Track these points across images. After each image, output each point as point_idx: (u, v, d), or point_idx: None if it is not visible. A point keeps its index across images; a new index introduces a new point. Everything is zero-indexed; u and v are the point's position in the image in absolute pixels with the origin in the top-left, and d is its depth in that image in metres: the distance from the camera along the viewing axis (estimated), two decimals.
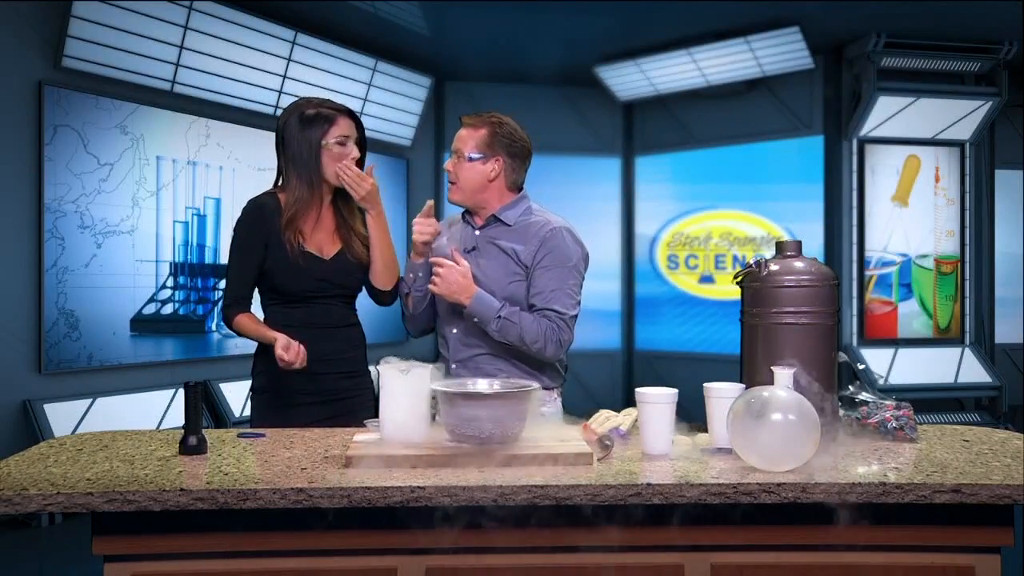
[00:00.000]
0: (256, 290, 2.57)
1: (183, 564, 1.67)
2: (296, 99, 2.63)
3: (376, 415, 1.93)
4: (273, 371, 2.42)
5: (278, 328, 2.44)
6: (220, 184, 5.81)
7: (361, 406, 2.55)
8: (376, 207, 2.51)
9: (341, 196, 2.56)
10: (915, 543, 1.72)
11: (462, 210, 2.61)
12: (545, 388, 2.45)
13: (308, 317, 2.50)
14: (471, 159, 2.47)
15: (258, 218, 2.51)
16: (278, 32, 6.00)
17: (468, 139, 2.48)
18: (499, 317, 2.39)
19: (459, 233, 2.58)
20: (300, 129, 2.49)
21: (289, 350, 2.34)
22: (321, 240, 2.53)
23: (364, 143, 2.58)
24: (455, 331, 2.50)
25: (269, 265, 2.49)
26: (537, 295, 2.44)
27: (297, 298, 2.50)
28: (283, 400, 2.49)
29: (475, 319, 2.41)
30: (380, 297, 2.61)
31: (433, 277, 2.41)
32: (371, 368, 2.42)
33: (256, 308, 2.58)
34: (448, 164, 2.51)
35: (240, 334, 2.53)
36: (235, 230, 2.55)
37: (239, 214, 2.55)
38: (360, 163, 2.55)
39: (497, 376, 2.31)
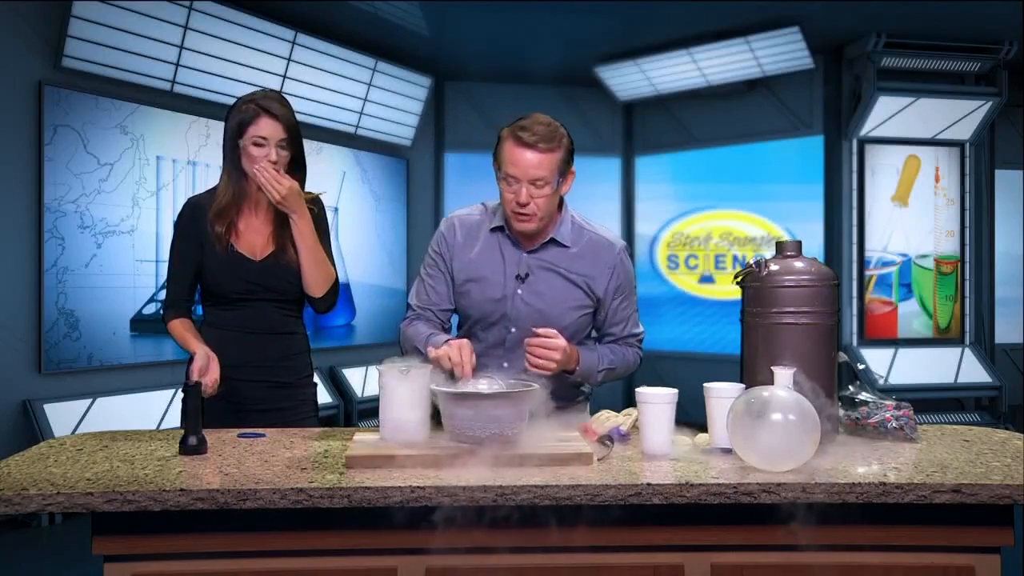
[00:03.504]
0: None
1: (183, 564, 1.67)
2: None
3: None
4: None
5: (213, 330, 2.38)
6: None
7: (294, 420, 2.39)
8: (299, 210, 2.35)
9: None
10: (915, 543, 1.72)
11: (473, 212, 2.36)
12: (585, 398, 2.44)
13: (238, 320, 2.39)
14: (556, 185, 2.20)
15: (193, 217, 2.41)
16: (278, 32, 6.00)
17: (547, 164, 2.16)
18: (601, 370, 2.31)
19: (494, 251, 2.31)
20: (228, 122, 2.37)
21: (205, 374, 2.21)
22: (255, 241, 2.41)
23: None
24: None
25: (203, 265, 2.40)
26: (617, 325, 2.37)
27: (227, 299, 2.39)
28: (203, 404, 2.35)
29: (577, 378, 2.29)
30: (314, 304, 2.45)
31: (535, 360, 2.13)
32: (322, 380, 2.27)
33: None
34: (523, 196, 2.16)
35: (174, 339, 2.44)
36: (173, 230, 2.49)
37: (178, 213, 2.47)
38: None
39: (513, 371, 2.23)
